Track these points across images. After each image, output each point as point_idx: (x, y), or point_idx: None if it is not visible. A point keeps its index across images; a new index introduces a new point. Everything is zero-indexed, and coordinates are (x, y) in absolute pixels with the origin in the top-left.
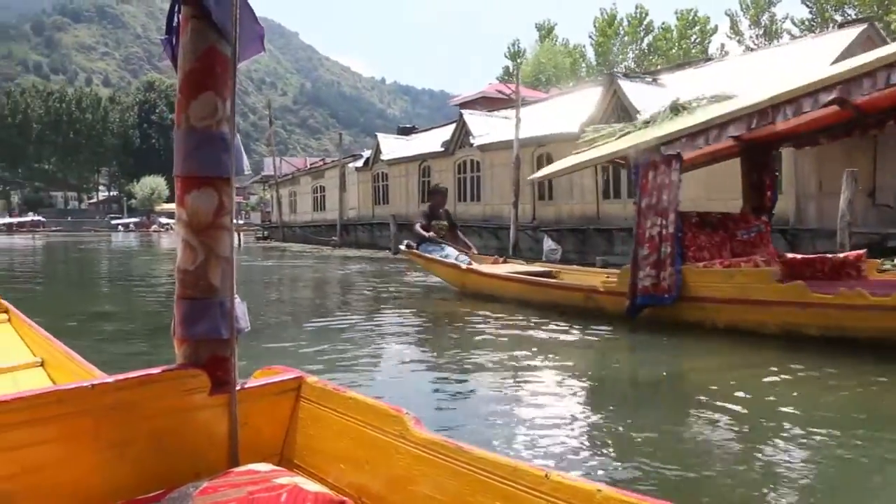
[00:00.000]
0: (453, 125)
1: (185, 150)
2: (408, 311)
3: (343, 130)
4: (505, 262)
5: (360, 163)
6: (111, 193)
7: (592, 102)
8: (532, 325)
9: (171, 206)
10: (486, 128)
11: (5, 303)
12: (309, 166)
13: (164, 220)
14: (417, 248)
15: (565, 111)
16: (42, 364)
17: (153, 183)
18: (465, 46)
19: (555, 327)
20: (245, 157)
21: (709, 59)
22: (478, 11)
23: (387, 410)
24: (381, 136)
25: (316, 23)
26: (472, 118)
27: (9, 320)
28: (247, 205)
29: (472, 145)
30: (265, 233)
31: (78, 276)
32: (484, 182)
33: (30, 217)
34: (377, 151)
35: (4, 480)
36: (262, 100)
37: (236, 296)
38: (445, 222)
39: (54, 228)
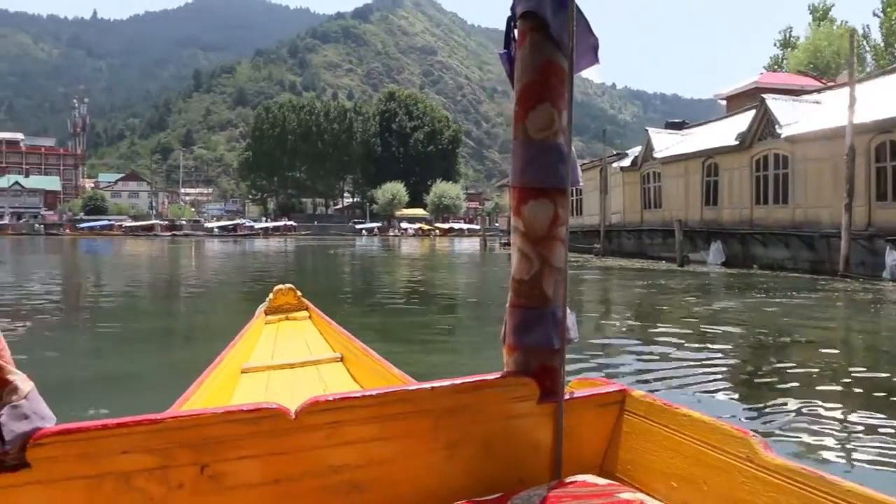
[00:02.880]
0: (747, 114)
1: (522, 161)
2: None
3: (574, 137)
4: None
5: (625, 162)
6: (355, 199)
7: None
8: None
9: (410, 212)
10: (792, 115)
11: (306, 301)
12: None
13: (404, 224)
14: None
15: None
16: (341, 359)
17: (393, 189)
18: (699, 48)
19: None
20: (579, 168)
21: None
22: (710, 8)
23: (730, 431)
24: (652, 132)
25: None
26: (777, 104)
27: (309, 317)
28: (483, 210)
29: (776, 136)
30: (510, 238)
31: (350, 280)
32: (794, 180)
33: (283, 222)
34: (648, 148)
35: (356, 470)
36: (494, 108)
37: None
38: None
39: (303, 233)
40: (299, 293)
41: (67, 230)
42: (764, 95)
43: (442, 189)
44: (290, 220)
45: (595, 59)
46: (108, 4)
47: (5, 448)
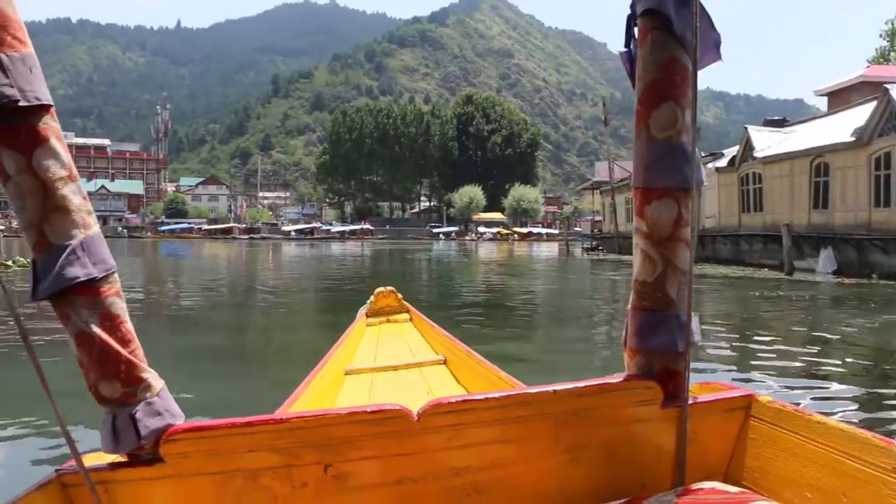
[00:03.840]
0: (860, 108)
1: (645, 161)
2: None
3: None
4: None
5: (721, 162)
6: (431, 203)
7: None
8: None
9: (488, 216)
10: None
11: (407, 304)
12: None
13: (481, 228)
14: None
15: None
16: (445, 362)
17: (471, 192)
18: (784, 47)
19: None
20: (702, 168)
21: None
22: (795, 7)
23: (872, 440)
24: (751, 129)
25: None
26: None
27: (410, 320)
28: (561, 214)
29: None
30: (594, 243)
31: (427, 287)
32: None
33: (360, 225)
34: (746, 147)
35: (477, 472)
36: (572, 111)
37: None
38: None
39: (380, 236)
40: (400, 296)
41: (149, 233)
42: (888, 86)
43: (520, 193)
44: (366, 223)
45: (717, 56)
46: (191, 14)
47: (140, 443)
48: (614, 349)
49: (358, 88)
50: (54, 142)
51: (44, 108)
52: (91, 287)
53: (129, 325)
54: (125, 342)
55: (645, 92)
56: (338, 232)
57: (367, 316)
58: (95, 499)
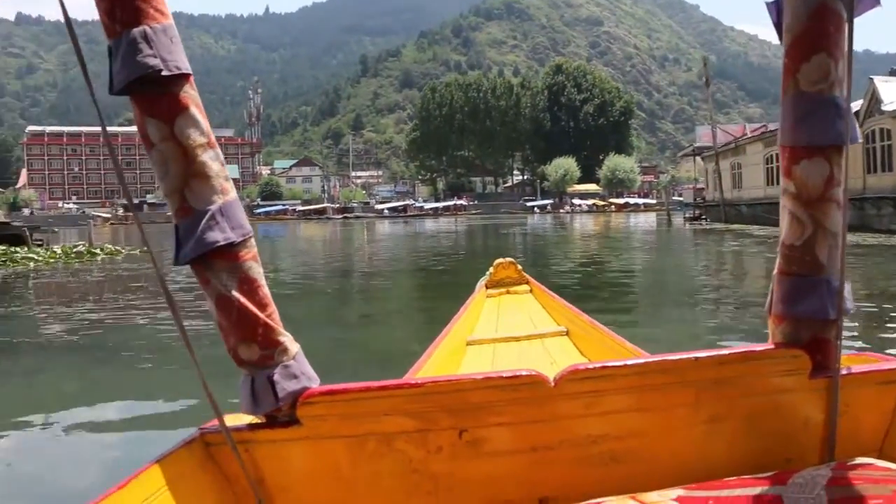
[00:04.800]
0: None
1: (793, 117)
2: None
3: (752, 103)
4: None
5: None
6: (524, 177)
7: None
8: None
9: (582, 187)
10: None
11: (526, 276)
12: (749, 133)
13: (576, 200)
14: None
15: None
16: (567, 333)
17: (564, 164)
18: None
19: None
20: (857, 124)
21: None
22: None
23: None
24: (878, 80)
25: None
26: None
27: (530, 291)
28: (658, 183)
29: None
30: (696, 212)
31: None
32: None
33: (452, 201)
34: (872, 101)
35: (614, 441)
36: (665, 77)
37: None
38: None
39: (473, 212)
40: (519, 267)
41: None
42: None
43: (615, 163)
44: (459, 199)
45: (876, 1)
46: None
47: (278, 404)
48: (747, 325)
49: (446, 64)
50: (194, 109)
51: (184, 77)
52: (230, 251)
53: (265, 289)
54: (263, 306)
55: (794, 43)
56: (431, 209)
57: (487, 287)
58: (238, 457)
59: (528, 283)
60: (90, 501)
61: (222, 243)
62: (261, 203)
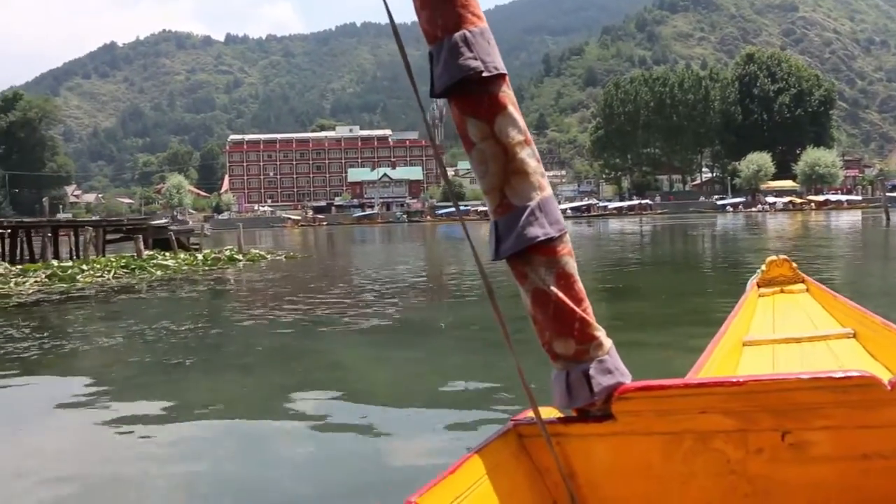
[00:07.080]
0: None
1: None
2: None
3: None
4: None
5: None
6: (714, 174)
7: None
8: None
9: (777, 184)
10: None
11: (802, 274)
12: None
13: (770, 198)
14: None
15: None
16: (854, 335)
17: (758, 160)
18: None
19: None
20: None
21: None
22: None
23: None
24: None
25: None
26: None
27: (807, 290)
28: (863, 178)
29: None
30: None
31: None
32: None
33: (637, 201)
34: None
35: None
36: (871, 63)
37: None
38: None
39: (659, 211)
40: (794, 265)
41: (427, 217)
42: None
43: (814, 157)
44: (644, 198)
45: None
46: None
47: (593, 399)
48: None
49: (630, 60)
50: (511, 108)
51: (501, 77)
52: (548, 246)
53: (580, 284)
54: (578, 300)
55: None
56: (615, 208)
57: (759, 286)
58: (552, 451)
59: (804, 281)
60: (425, 485)
61: (542, 238)
62: (442, 204)
